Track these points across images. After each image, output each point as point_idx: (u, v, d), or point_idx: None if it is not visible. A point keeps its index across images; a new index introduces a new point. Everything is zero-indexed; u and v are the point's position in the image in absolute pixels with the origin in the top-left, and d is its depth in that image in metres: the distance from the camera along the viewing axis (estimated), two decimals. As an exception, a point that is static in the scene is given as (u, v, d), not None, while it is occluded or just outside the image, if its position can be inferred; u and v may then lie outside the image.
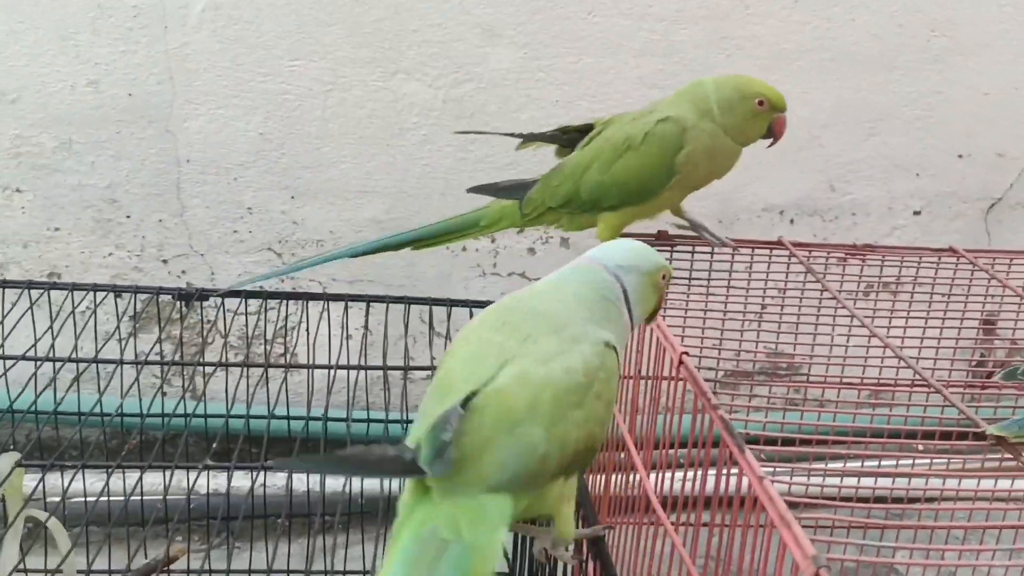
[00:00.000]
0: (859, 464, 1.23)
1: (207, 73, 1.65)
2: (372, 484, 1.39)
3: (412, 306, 1.37)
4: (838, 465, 1.33)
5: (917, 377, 0.84)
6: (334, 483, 1.47)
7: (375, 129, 1.72)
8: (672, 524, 0.87)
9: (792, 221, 1.88)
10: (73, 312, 1.13)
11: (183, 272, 1.72)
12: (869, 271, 1.23)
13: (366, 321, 1.44)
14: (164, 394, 1.25)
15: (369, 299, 1.43)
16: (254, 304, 1.55)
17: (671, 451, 0.90)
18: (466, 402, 0.72)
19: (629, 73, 1.77)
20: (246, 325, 1.67)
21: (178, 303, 1.18)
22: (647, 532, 0.92)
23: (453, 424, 0.70)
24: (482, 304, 1.10)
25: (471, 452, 0.71)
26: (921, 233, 1.91)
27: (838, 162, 1.87)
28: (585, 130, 1.16)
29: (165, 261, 1.72)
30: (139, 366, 1.13)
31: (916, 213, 1.91)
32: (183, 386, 1.69)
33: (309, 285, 1.77)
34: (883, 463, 1.19)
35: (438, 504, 0.71)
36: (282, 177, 1.71)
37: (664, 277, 0.87)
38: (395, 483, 1.18)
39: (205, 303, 1.44)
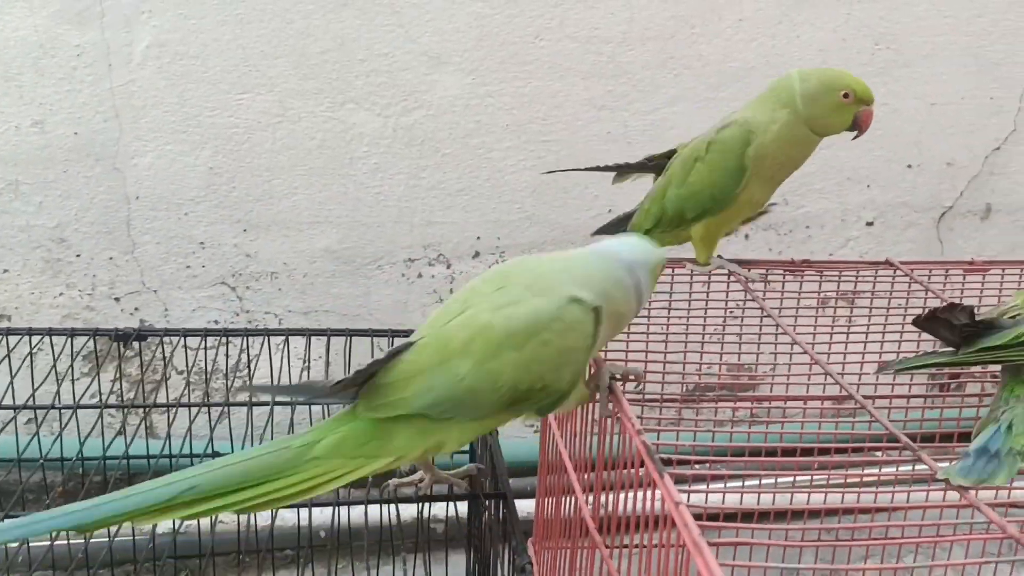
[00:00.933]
0: (790, 481, 1.24)
1: (154, 109, 1.65)
2: (324, 517, 1.38)
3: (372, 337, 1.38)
4: (788, 480, 1.34)
5: (844, 392, 0.85)
6: (290, 516, 1.46)
7: (325, 159, 1.72)
8: (608, 547, 0.86)
9: (747, 236, 1.89)
10: (8, 356, 1.12)
11: (136, 309, 1.71)
12: (811, 287, 1.24)
13: (327, 353, 1.44)
14: (123, 434, 1.24)
15: (331, 333, 1.43)
16: (213, 339, 1.55)
17: (605, 473, 0.90)
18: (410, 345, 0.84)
19: (578, 95, 1.78)
20: (205, 360, 1.66)
21: (116, 343, 1.17)
22: (585, 555, 0.91)
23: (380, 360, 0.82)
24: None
25: (404, 378, 0.82)
26: (875, 244, 1.93)
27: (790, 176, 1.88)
28: (670, 155, 1.20)
29: (117, 299, 1.70)
30: (95, 408, 1.12)
31: (869, 224, 1.92)
32: (144, 424, 1.68)
33: (265, 317, 1.77)
34: (815, 479, 1.19)
35: (349, 423, 0.83)
36: (233, 210, 1.71)
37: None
38: (346, 518, 1.18)
39: (165, 339, 1.44)
